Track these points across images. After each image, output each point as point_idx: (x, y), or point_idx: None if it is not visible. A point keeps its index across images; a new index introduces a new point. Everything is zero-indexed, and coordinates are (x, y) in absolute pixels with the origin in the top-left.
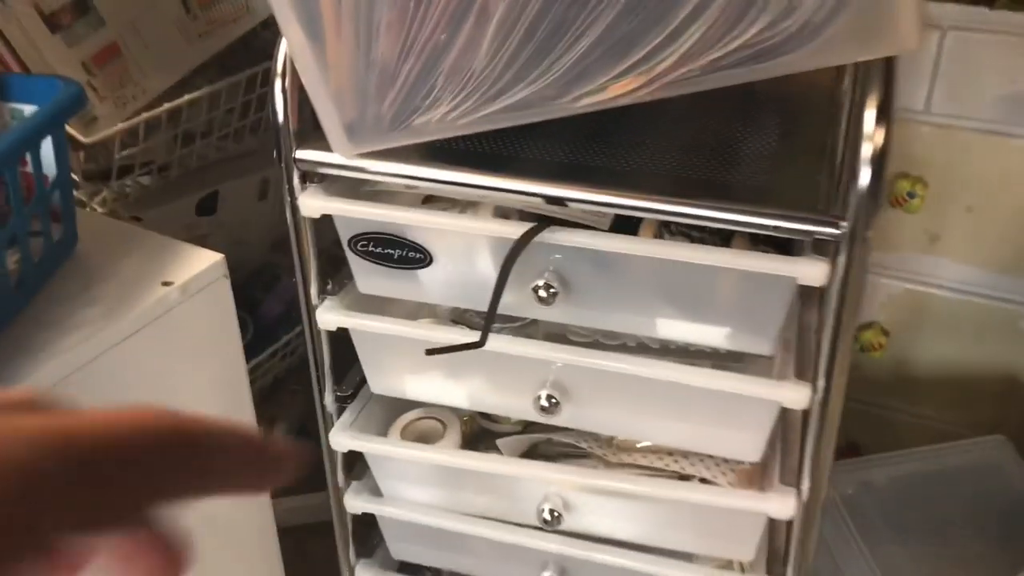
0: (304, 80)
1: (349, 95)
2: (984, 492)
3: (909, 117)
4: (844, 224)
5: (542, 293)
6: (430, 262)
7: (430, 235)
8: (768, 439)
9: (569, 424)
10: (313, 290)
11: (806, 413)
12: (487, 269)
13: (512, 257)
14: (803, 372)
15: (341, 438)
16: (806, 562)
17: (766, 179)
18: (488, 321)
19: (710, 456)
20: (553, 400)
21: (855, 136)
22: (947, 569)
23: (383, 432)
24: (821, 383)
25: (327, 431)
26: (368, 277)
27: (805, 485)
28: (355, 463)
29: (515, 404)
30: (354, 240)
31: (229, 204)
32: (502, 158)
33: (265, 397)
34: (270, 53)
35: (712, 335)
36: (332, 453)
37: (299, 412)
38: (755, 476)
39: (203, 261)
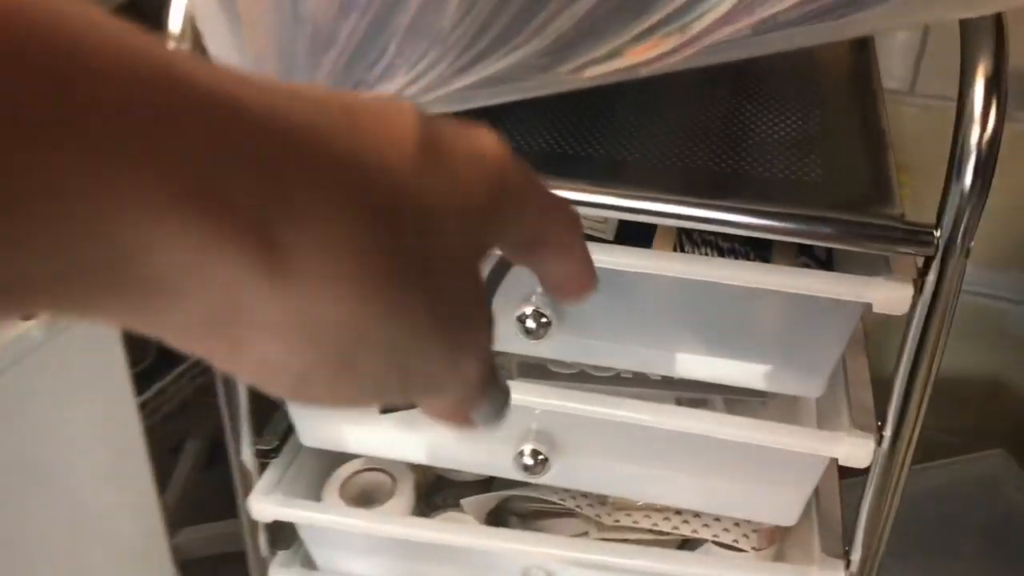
0: (209, 45)
1: (272, 61)
2: (985, 508)
3: (892, 98)
4: (937, 234)
5: (530, 323)
6: None
7: None
8: (808, 499)
9: (558, 483)
10: None
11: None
12: None
13: (491, 288)
14: (856, 417)
15: (263, 505)
16: None
17: (805, 172)
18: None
19: (724, 515)
20: (540, 456)
21: (962, 117)
22: None
23: (317, 488)
24: (889, 433)
25: (245, 495)
26: None
27: (856, 556)
28: (283, 527)
29: (490, 460)
30: None
31: None
32: None
33: (171, 416)
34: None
35: (748, 374)
36: (252, 523)
37: (212, 426)
38: (777, 534)
39: None
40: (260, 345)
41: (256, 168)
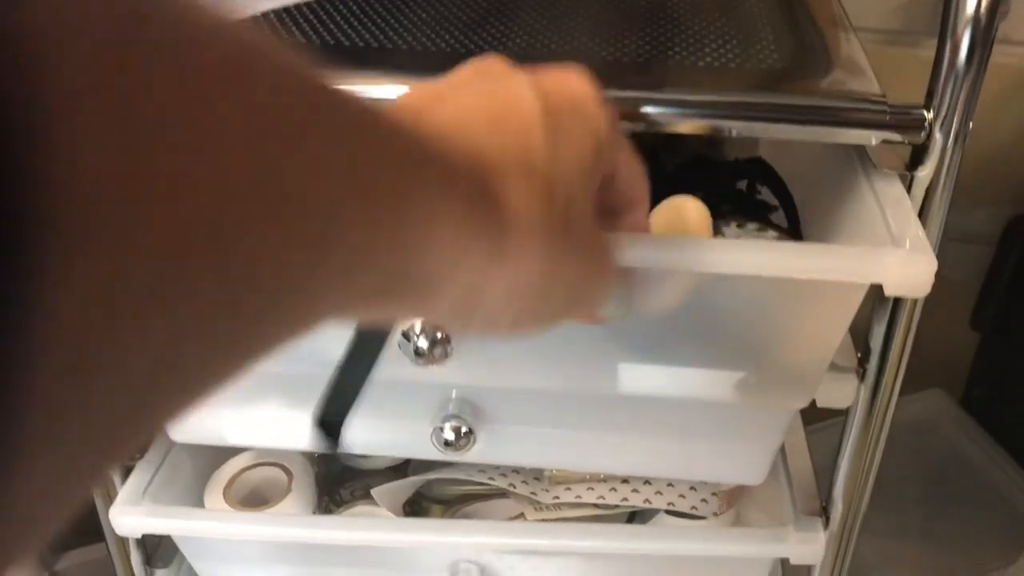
0: None
1: None
2: (927, 451)
3: None
4: (929, 115)
5: (420, 342)
6: None
7: None
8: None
9: (485, 460)
10: None
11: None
12: None
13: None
14: None
15: (128, 517)
16: None
17: (760, 59)
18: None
19: (680, 479)
20: (463, 429)
21: None
22: (886, 531)
23: (198, 492)
24: (874, 364)
25: (106, 508)
26: None
27: (836, 511)
28: (162, 542)
29: (403, 440)
30: None
31: None
32: (353, 52)
33: None
34: None
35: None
36: (120, 540)
37: None
38: (735, 496)
39: None
40: (484, 309)
41: (480, 186)
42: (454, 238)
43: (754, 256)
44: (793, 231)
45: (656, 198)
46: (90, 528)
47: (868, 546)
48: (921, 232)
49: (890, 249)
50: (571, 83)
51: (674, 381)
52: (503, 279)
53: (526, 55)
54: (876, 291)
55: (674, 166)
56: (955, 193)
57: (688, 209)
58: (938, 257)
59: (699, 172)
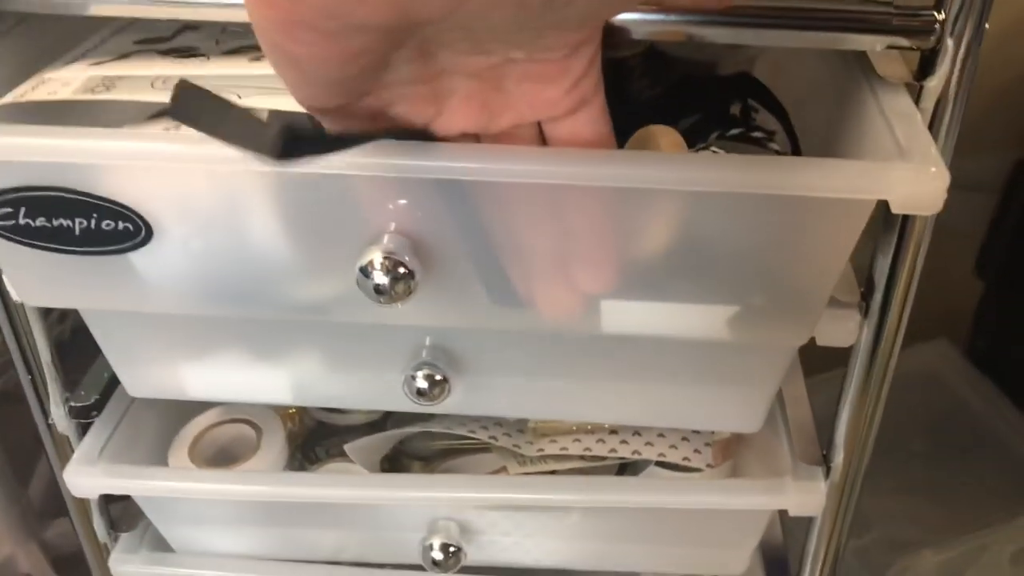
0: None
1: None
2: (932, 402)
3: None
4: (941, 17)
5: (379, 278)
6: (147, 237)
7: (151, 181)
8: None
9: (463, 411)
10: None
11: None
12: (266, 234)
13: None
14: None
15: (84, 478)
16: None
17: None
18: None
19: (672, 428)
20: (436, 378)
21: None
22: (888, 484)
23: (162, 451)
24: (879, 297)
25: (62, 466)
26: (27, 274)
27: (838, 458)
28: (125, 505)
29: (374, 390)
30: None
31: None
32: None
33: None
34: None
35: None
36: (80, 503)
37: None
38: (732, 446)
39: None
40: None
41: None
42: None
43: (744, 172)
44: (794, 153)
45: (636, 128)
46: None
47: (870, 499)
48: (933, 146)
49: (897, 163)
50: None
51: (662, 318)
52: None
53: None
54: (880, 219)
55: (656, 92)
56: (958, 138)
57: (658, 138)
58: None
59: (686, 96)
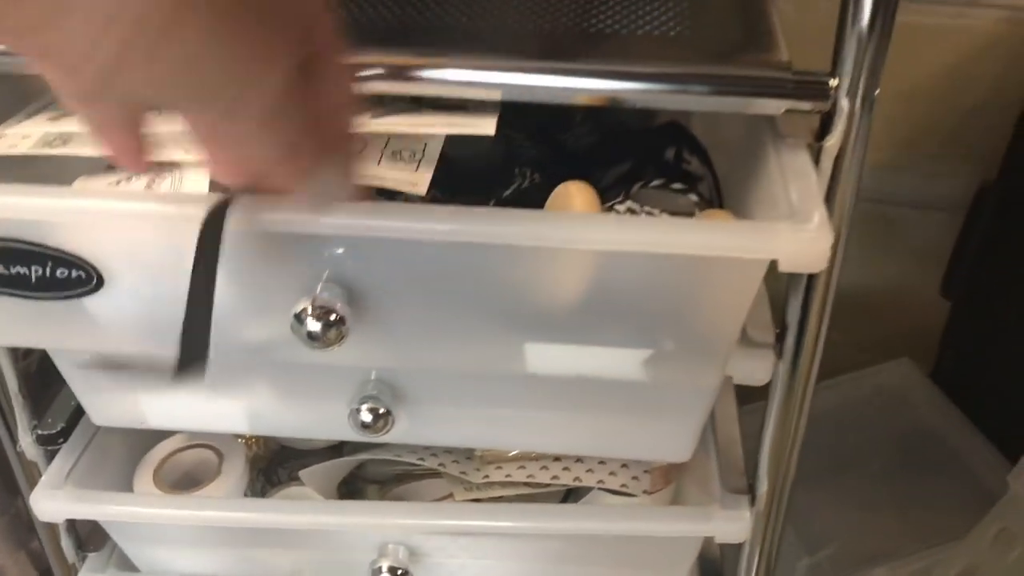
0: None
1: None
2: (894, 421)
3: None
4: (834, 83)
5: (311, 324)
6: (99, 284)
7: (99, 233)
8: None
9: (408, 440)
10: None
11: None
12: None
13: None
14: (749, 332)
15: (51, 502)
16: None
17: (669, 26)
18: (189, 345)
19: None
20: (380, 411)
21: None
22: (851, 501)
23: (127, 476)
24: (790, 342)
25: (30, 490)
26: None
27: (762, 488)
28: (92, 526)
29: (322, 422)
30: None
31: None
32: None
33: None
34: None
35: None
36: (48, 527)
37: None
38: (672, 473)
39: None
40: (74, 24)
41: None
42: None
43: (639, 233)
44: (716, 202)
45: (574, 173)
46: None
47: (831, 515)
48: (820, 206)
49: (782, 223)
50: None
51: (580, 360)
52: None
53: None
54: None
55: (593, 140)
56: (922, 160)
57: (574, 195)
58: (906, 224)
59: (622, 143)
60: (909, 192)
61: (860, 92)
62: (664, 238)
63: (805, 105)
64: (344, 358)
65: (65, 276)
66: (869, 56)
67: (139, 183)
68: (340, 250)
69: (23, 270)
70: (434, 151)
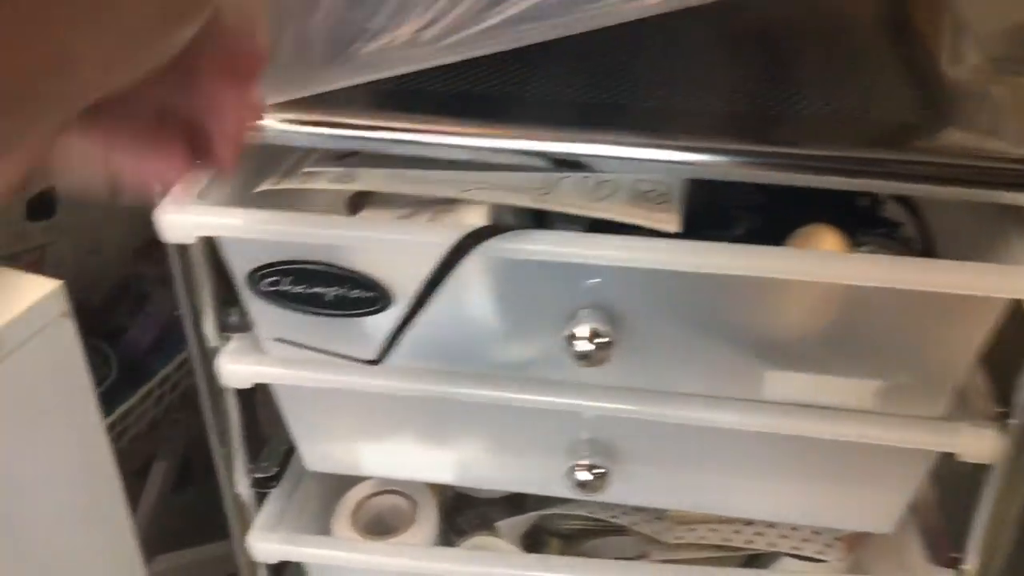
0: None
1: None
2: None
3: None
4: None
5: (581, 345)
6: (387, 303)
7: (388, 258)
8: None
9: (617, 499)
10: (209, 327)
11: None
12: (489, 310)
13: (452, 261)
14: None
15: (267, 544)
16: None
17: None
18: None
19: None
20: (597, 470)
21: None
22: None
23: (323, 518)
24: (1020, 420)
25: (243, 532)
26: (281, 332)
27: (971, 563)
28: (285, 564)
29: (534, 477)
30: (257, 275)
31: (72, 202)
32: (487, 101)
33: (138, 438)
34: None
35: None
36: (252, 565)
37: (181, 444)
38: (857, 541)
39: (27, 295)
40: None
41: None
42: None
43: (895, 271)
44: (925, 247)
45: (783, 221)
46: (178, 534)
47: None
48: None
49: None
50: None
51: (811, 386)
52: None
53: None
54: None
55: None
56: None
57: (824, 238)
58: None
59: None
60: None
61: None
62: (922, 276)
63: None
64: (603, 378)
65: (357, 297)
66: None
67: (423, 216)
68: (598, 280)
69: (319, 289)
70: (680, 191)
